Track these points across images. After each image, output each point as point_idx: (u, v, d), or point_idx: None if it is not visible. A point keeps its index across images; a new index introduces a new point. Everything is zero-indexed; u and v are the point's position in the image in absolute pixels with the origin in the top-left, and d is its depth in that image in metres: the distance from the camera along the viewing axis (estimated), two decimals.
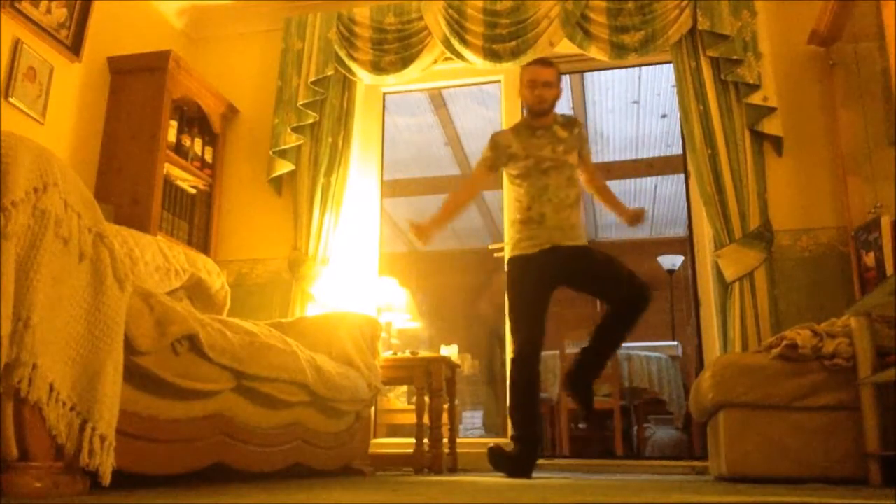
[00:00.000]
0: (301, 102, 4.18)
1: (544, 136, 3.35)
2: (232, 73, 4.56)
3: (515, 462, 3.11)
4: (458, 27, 4.07)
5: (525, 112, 3.50)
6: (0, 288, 1.39)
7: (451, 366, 3.85)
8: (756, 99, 3.66)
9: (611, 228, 8.68)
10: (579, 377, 3.25)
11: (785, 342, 2.69)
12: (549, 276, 3.25)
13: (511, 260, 3.35)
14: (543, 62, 3.43)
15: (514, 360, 3.23)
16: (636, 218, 3.46)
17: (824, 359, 2.62)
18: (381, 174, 4.50)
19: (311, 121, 4.19)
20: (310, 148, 4.20)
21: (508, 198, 3.51)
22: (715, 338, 3.70)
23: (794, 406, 2.63)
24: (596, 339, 3.28)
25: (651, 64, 4.62)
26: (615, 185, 7.60)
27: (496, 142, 3.41)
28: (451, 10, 4.10)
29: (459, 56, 4.10)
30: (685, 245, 6.02)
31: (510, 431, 3.91)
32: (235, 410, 2.24)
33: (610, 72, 5.32)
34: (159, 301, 1.88)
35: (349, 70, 4.24)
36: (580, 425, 5.68)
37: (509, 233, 3.47)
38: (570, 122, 3.46)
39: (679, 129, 4.31)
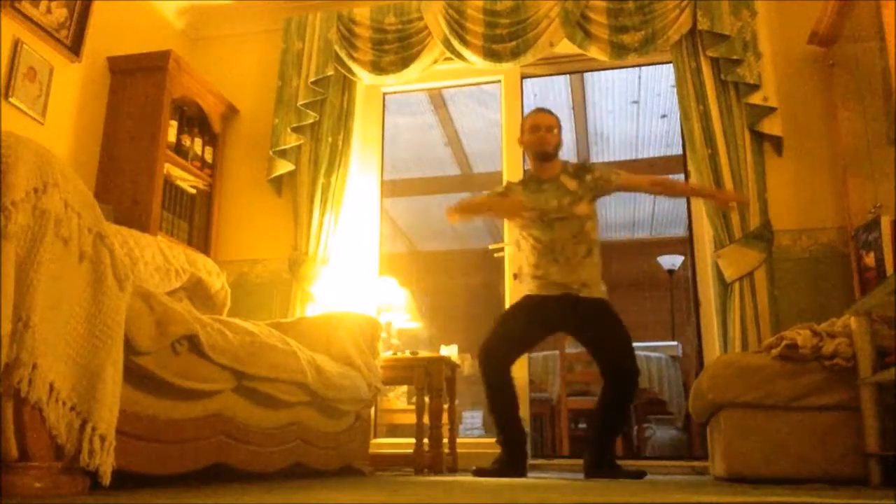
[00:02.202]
0: (301, 102, 4.18)
1: (550, 190, 3.29)
2: (232, 73, 4.56)
3: (503, 462, 3.13)
4: (458, 27, 4.07)
5: (530, 164, 3.44)
6: (0, 288, 1.39)
7: (451, 366, 3.85)
8: (756, 99, 3.66)
9: (612, 228, 8.68)
10: (596, 463, 3.11)
11: (785, 342, 2.69)
12: (550, 319, 3.23)
13: (525, 296, 3.33)
14: (543, 109, 3.44)
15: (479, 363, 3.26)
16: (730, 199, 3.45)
17: (824, 359, 2.62)
18: (381, 174, 4.50)
19: (311, 121, 4.19)
20: (310, 148, 4.20)
21: (521, 251, 3.44)
22: (715, 338, 3.70)
23: (794, 406, 2.63)
24: (595, 428, 3.23)
25: (651, 64, 4.62)
26: None
27: (509, 187, 3.42)
28: (451, 10, 4.10)
29: (459, 56, 4.10)
30: (685, 245, 6.01)
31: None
32: (235, 410, 2.24)
33: (610, 72, 5.32)
34: (159, 301, 1.88)
35: (349, 70, 4.24)
36: (580, 425, 5.69)
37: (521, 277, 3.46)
38: (582, 169, 3.35)
39: (679, 129, 4.30)
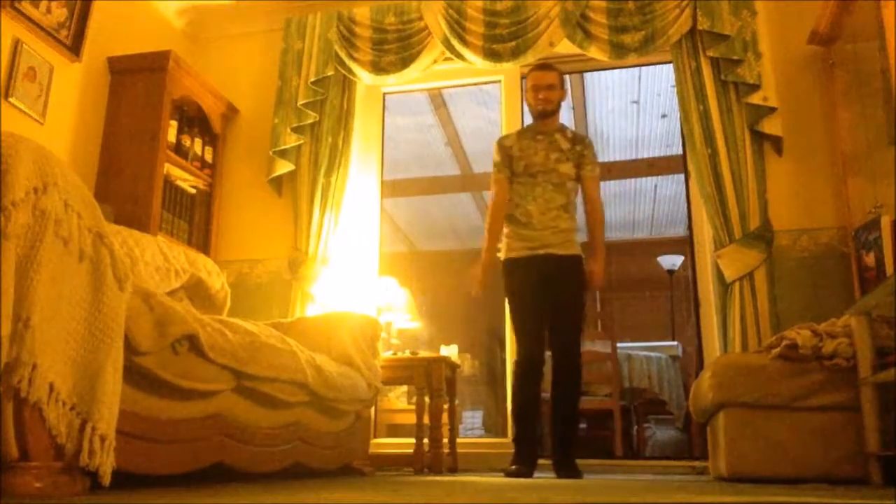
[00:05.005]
0: (301, 102, 4.18)
1: (542, 142, 3.41)
2: (232, 73, 4.56)
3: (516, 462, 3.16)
4: (458, 27, 4.07)
5: (532, 117, 3.52)
6: (0, 288, 1.39)
7: (451, 366, 3.85)
8: (756, 99, 3.66)
9: (610, 229, 8.68)
10: (559, 457, 3.23)
11: (785, 342, 2.69)
12: (539, 281, 3.27)
13: (504, 262, 3.40)
14: (544, 67, 3.48)
15: (514, 372, 3.31)
16: (593, 280, 3.35)
17: (824, 359, 2.62)
18: (381, 174, 4.50)
19: (311, 121, 4.19)
20: (310, 148, 4.20)
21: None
22: (715, 338, 3.70)
23: (794, 406, 2.63)
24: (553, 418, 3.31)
25: (651, 64, 4.62)
26: (615, 185, 7.61)
27: (500, 144, 3.48)
28: (451, 10, 4.10)
29: (459, 56, 4.10)
30: (685, 245, 6.01)
31: (510, 433, 3.93)
32: (235, 410, 2.24)
33: (610, 72, 5.32)
34: (159, 301, 1.88)
35: (349, 70, 4.24)
36: (580, 425, 5.68)
37: (505, 231, 3.48)
38: (578, 139, 3.49)
39: (679, 129, 4.30)
